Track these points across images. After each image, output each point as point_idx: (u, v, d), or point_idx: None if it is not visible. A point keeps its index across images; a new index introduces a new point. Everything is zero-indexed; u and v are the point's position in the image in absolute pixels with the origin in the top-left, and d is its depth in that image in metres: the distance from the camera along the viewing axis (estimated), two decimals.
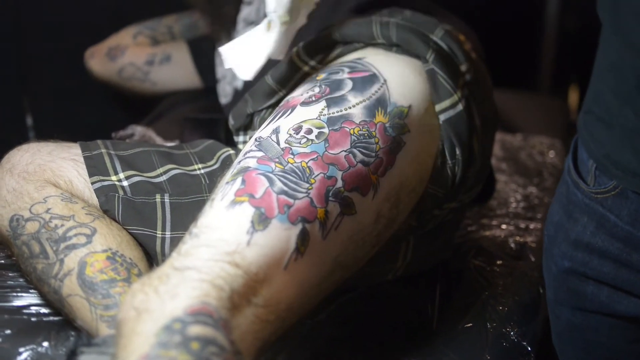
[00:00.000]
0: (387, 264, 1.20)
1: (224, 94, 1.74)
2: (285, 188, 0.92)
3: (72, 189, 1.17)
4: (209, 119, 1.68)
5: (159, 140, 1.63)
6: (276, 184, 0.92)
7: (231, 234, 0.88)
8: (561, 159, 1.71)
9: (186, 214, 1.14)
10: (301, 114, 1.01)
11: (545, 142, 1.75)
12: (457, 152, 1.09)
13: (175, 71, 1.93)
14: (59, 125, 2.03)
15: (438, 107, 1.08)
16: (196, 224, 0.92)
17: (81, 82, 2.00)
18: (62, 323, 1.10)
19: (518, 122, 1.85)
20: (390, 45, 1.13)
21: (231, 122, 1.28)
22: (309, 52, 1.17)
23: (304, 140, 0.97)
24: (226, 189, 0.94)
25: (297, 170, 0.94)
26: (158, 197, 1.16)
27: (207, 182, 1.19)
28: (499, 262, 1.26)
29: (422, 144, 1.05)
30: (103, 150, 1.21)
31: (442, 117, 1.08)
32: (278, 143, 0.98)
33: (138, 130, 1.66)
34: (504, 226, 1.39)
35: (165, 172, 1.20)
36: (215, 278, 0.84)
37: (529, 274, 1.23)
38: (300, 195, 0.92)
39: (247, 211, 0.90)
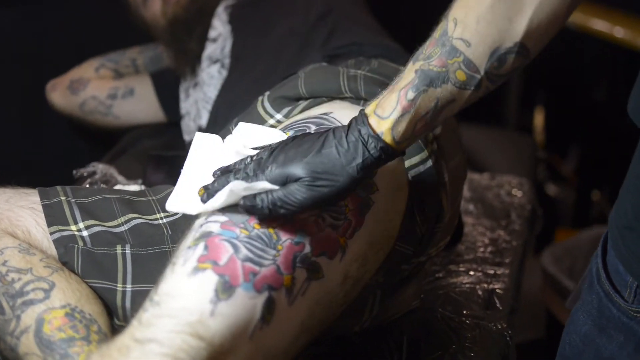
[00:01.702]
0: (354, 317, 1.18)
1: (188, 130, 1.71)
2: (251, 255, 0.90)
3: (30, 239, 1.14)
4: (173, 155, 1.65)
5: (120, 179, 1.60)
6: (241, 251, 0.90)
7: (194, 303, 0.86)
8: (529, 199, 1.70)
9: (147, 266, 1.12)
10: None
11: (513, 182, 1.74)
12: (427, 209, 1.08)
13: (139, 105, 1.90)
14: (18, 159, 1.98)
15: (407, 163, 1.07)
16: (157, 290, 0.89)
17: (42, 114, 1.96)
18: None
19: (485, 159, 1.85)
20: (358, 99, 1.11)
21: None
22: (275, 106, 1.15)
23: None
24: (188, 254, 0.91)
25: (263, 237, 0.92)
26: (119, 248, 1.13)
27: (170, 232, 1.16)
28: (466, 311, 1.24)
29: (390, 202, 1.04)
30: (62, 198, 1.18)
31: (411, 174, 1.07)
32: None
33: (100, 168, 1.63)
34: (471, 272, 1.37)
35: (126, 222, 1.17)
36: (177, 351, 0.81)
37: (496, 324, 1.22)
38: (266, 262, 0.90)
39: (210, 279, 0.88)
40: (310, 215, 0.95)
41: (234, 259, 0.89)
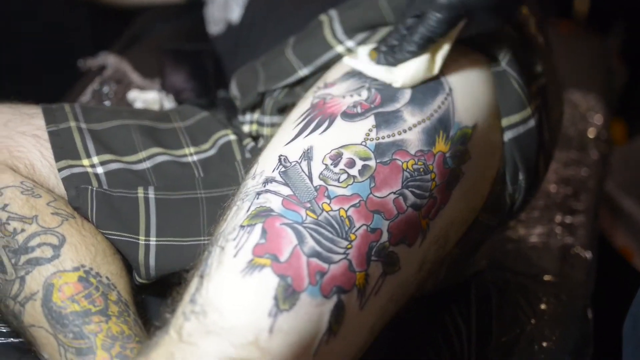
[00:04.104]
0: None
1: (214, 20, 1.47)
2: (319, 248, 0.71)
3: (34, 174, 0.95)
4: (195, 51, 1.43)
5: (135, 77, 1.39)
6: (307, 242, 0.71)
7: (248, 318, 0.68)
8: (605, 125, 1.47)
9: (175, 215, 0.94)
10: (342, 134, 0.78)
11: (589, 101, 1.51)
12: (520, 177, 0.88)
13: None
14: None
15: (505, 122, 0.86)
16: (200, 288, 0.71)
17: None
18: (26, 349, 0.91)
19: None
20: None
21: (235, 93, 1.04)
22: (347, 29, 0.92)
23: (344, 176, 0.75)
24: (241, 239, 0.72)
25: (333, 222, 0.72)
26: (140, 191, 0.95)
27: (202, 174, 0.97)
28: (539, 274, 1.08)
29: (481, 169, 0.84)
30: (72, 124, 0.98)
31: (508, 135, 0.87)
32: (310, 176, 0.75)
33: (111, 61, 1.41)
34: (544, 222, 1.20)
35: (149, 157, 0.98)
36: None
37: (574, 291, 1.06)
38: (336, 257, 0.71)
39: (269, 282, 0.69)
40: (390, 192, 0.75)
41: (298, 254, 0.70)
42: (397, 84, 0.82)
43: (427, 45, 0.81)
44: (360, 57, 0.86)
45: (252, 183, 0.77)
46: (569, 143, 1.41)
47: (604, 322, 1.14)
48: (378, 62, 0.84)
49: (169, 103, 1.29)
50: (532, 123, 0.87)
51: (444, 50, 0.82)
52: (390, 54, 0.83)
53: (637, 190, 1.74)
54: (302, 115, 0.82)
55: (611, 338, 1.25)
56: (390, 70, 0.83)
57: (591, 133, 1.44)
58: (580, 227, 1.20)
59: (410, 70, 0.82)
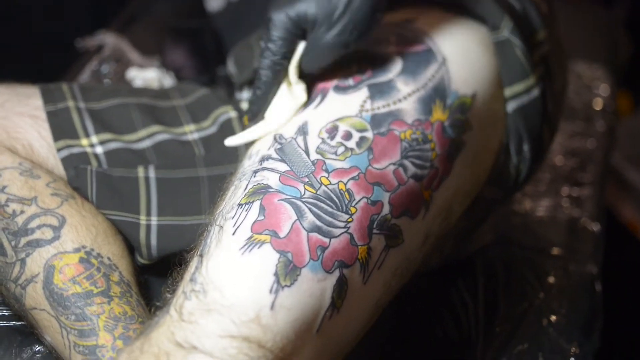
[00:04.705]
0: None
1: None
2: (319, 222, 0.69)
3: (32, 155, 0.94)
4: (194, 28, 1.41)
5: (134, 56, 1.37)
6: (306, 217, 0.69)
7: (249, 295, 0.66)
8: (613, 96, 1.45)
9: (176, 194, 0.93)
10: (336, 107, 0.76)
11: (595, 72, 1.48)
12: (525, 147, 0.86)
13: None
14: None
15: (508, 92, 0.84)
16: (200, 267, 0.70)
17: None
18: (28, 332, 0.90)
19: None
20: (449, 3, 0.86)
21: (232, 70, 1.02)
22: None
23: (341, 149, 0.73)
24: (239, 217, 0.71)
25: (333, 196, 0.71)
26: (141, 171, 0.94)
27: (202, 152, 0.96)
28: (547, 247, 1.06)
29: (483, 140, 0.83)
30: (70, 103, 0.97)
31: (511, 105, 0.85)
32: (307, 151, 0.74)
33: (109, 40, 1.39)
34: (550, 194, 1.18)
35: (149, 136, 0.97)
36: None
37: (582, 264, 1.04)
38: (337, 231, 0.70)
39: (269, 258, 0.68)
40: (389, 163, 0.74)
41: (298, 229, 0.69)
42: (271, 126, 0.79)
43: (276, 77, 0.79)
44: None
45: (248, 162, 0.76)
46: (575, 114, 1.38)
47: (612, 295, 1.13)
48: (250, 123, 0.82)
49: (168, 81, 1.27)
50: (535, 92, 0.85)
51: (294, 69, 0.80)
52: (251, 111, 0.82)
53: None
54: None
55: (620, 311, 1.24)
56: (263, 122, 0.81)
57: (597, 104, 1.42)
58: (587, 199, 1.18)
59: (277, 108, 0.80)
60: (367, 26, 0.74)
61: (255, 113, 0.81)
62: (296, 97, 0.79)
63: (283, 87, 0.80)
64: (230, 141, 0.82)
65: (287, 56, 0.78)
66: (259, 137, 0.80)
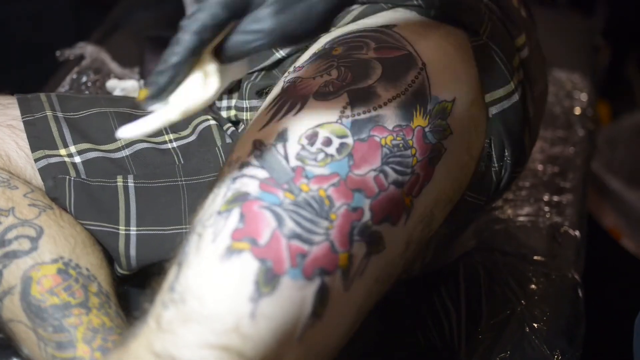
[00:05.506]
0: None
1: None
2: (299, 230, 0.69)
3: (10, 166, 0.94)
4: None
5: (114, 66, 1.36)
6: (286, 224, 0.69)
7: (228, 304, 0.66)
8: (591, 102, 1.46)
9: (155, 204, 0.92)
10: (316, 113, 0.75)
11: (574, 80, 1.49)
12: (506, 152, 0.86)
13: None
14: None
15: (489, 98, 0.84)
16: (179, 276, 0.69)
17: None
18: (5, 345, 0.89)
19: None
20: (428, 8, 0.86)
21: None
22: None
23: (321, 155, 0.73)
24: (218, 224, 0.70)
25: (313, 203, 0.70)
26: (120, 180, 0.93)
27: (182, 161, 0.95)
28: (528, 253, 1.07)
29: (464, 145, 0.82)
30: (49, 113, 0.97)
31: (493, 110, 0.84)
32: (286, 158, 0.73)
33: (89, 50, 1.39)
34: (531, 200, 1.18)
35: (128, 145, 0.96)
36: None
37: (564, 271, 1.04)
38: (317, 238, 0.69)
39: (249, 266, 0.67)
40: (370, 169, 0.73)
41: (278, 237, 0.68)
42: (172, 115, 0.67)
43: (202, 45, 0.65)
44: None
45: (228, 170, 0.75)
46: (555, 121, 1.39)
47: (595, 302, 1.13)
48: (148, 106, 0.67)
49: None
50: (515, 97, 0.85)
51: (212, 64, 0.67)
52: (155, 82, 0.65)
53: (622, 170, 1.73)
54: (273, 100, 0.79)
55: (602, 317, 1.24)
56: (164, 108, 0.67)
57: (577, 111, 1.43)
58: (568, 205, 1.18)
59: (185, 94, 0.66)
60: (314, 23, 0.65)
61: (160, 88, 0.65)
62: (207, 90, 0.67)
63: (197, 73, 0.67)
64: (123, 132, 0.67)
65: (220, 28, 0.64)
66: (157, 128, 0.67)
